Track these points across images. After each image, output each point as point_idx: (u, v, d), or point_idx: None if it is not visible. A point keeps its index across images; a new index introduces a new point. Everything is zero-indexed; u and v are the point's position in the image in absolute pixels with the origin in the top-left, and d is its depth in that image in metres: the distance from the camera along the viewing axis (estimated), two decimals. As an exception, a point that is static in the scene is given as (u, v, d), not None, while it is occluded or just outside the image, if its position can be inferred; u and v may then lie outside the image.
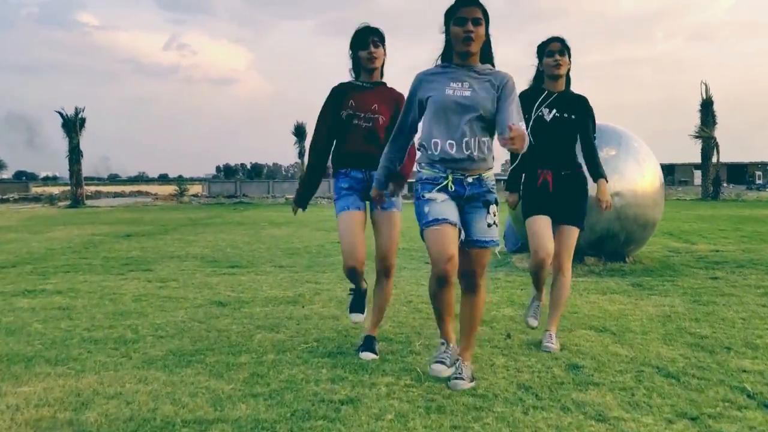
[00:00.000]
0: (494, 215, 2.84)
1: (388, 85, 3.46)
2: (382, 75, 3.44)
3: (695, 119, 29.34)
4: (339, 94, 3.39)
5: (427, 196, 2.78)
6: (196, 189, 51.12)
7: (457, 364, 2.86)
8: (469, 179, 2.78)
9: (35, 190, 51.77)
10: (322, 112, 3.42)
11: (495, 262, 6.95)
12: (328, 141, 3.42)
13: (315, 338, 3.76)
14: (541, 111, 3.49)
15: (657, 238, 9.69)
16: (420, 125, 2.90)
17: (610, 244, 6.88)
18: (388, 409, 2.56)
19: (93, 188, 57.82)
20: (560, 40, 3.53)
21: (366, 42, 3.29)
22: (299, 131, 38.91)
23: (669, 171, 54.26)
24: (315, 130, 3.44)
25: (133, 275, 6.34)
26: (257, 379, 2.97)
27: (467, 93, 2.73)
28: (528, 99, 3.51)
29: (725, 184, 44.14)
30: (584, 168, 3.62)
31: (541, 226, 3.45)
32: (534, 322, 3.63)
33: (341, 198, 3.34)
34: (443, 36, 2.85)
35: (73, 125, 28.03)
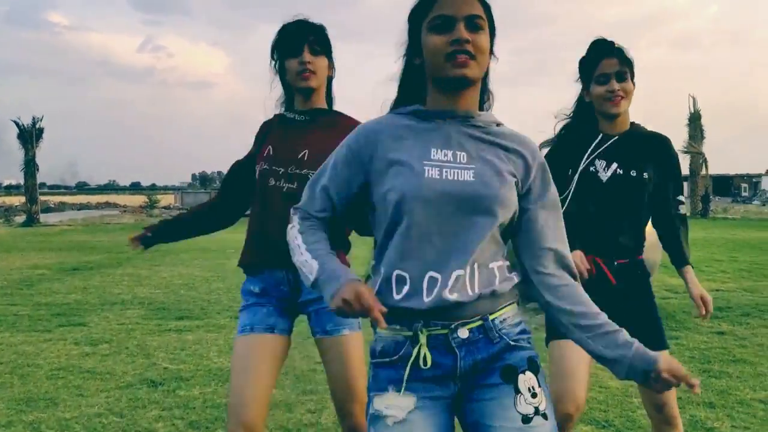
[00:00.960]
0: (533, 394, 1.40)
1: (344, 113, 2.19)
2: (329, 100, 2.21)
3: (681, 131, 28.87)
4: (261, 137, 2.22)
5: (377, 405, 1.39)
6: (168, 199, 49.89)
7: None
8: (464, 332, 1.39)
9: (-6, 200, 49.97)
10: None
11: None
12: (234, 194, 2.28)
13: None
14: (594, 165, 2.23)
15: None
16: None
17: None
18: None
19: (58, 198, 55.99)
20: (619, 54, 2.18)
21: (298, 47, 2.05)
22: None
23: None
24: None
25: (61, 333, 5.49)
26: None
27: (468, 174, 1.39)
28: (571, 146, 2.29)
29: (711, 197, 44.24)
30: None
31: (573, 357, 2.04)
32: None
33: (246, 309, 2.10)
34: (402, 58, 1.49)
35: (29, 136, 26.50)
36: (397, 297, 1.36)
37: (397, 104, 1.48)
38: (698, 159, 28.52)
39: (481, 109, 1.46)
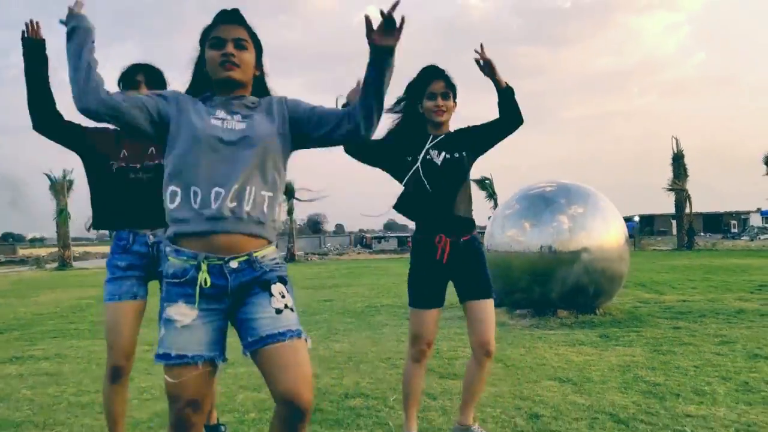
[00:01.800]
0: (282, 296, 1.95)
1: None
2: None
3: (668, 170, 30.49)
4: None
5: (169, 313, 1.89)
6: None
7: None
8: (233, 264, 1.90)
9: (22, 252, 51.24)
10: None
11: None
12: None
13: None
14: (429, 153, 2.85)
15: (629, 290, 10.05)
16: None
17: (581, 297, 7.19)
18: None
19: (81, 249, 57.15)
20: (444, 77, 2.86)
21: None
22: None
23: (648, 222, 54.33)
24: None
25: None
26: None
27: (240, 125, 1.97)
28: (406, 141, 2.90)
29: (702, 234, 44.99)
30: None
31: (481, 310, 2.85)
32: None
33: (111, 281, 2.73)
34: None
35: (60, 187, 28.26)
36: (203, 212, 1.88)
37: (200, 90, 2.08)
38: (682, 195, 29.74)
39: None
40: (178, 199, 1.89)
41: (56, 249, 30.36)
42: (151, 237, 2.74)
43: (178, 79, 2.20)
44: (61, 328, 7.47)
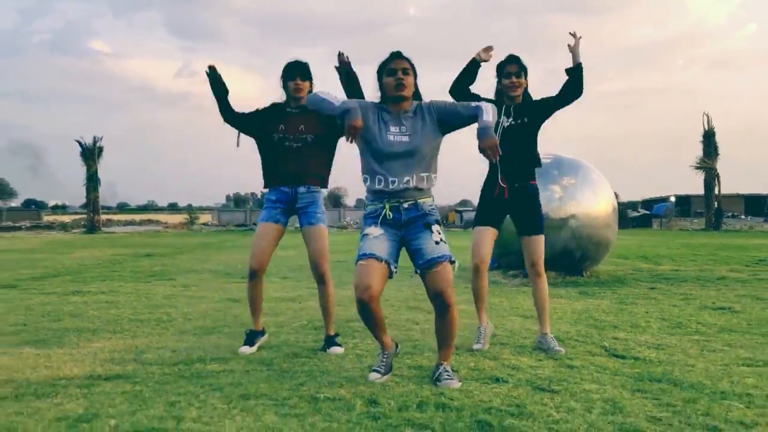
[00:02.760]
0: (438, 233, 3.06)
1: None
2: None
3: (701, 150, 30.27)
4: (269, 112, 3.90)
5: (366, 231, 3.09)
6: (205, 218, 52.30)
7: (440, 369, 3.08)
8: (405, 205, 3.07)
9: (47, 218, 53.11)
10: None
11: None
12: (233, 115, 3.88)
13: (306, 320, 4.90)
14: (501, 119, 3.83)
15: (630, 261, 10.76)
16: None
17: (568, 260, 7.98)
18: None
19: (104, 216, 58.90)
20: (517, 62, 3.83)
21: (293, 75, 3.79)
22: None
23: (685, 202, 51.59)
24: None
25: (159, 283, 7.52)
26: (261, 345, 4.10)
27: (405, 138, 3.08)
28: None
29: (742, 216, 44.24)
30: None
31: (481, 235, 3.91)
32: (477, 346, 3.85)
33: (265, 209, 3.86)
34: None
35: (90, 153, 29.59)
36: (387, 189, 3.06)
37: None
38: (711, 174, 29.74)
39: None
40: (369, 182, 3.12)
41: (79, 216, 31.89)
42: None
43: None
44: (105, 275, 8.52)
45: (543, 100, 3.89)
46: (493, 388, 2.99)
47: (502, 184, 3.85)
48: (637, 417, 2.55)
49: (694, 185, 31.29)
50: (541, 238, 3.89)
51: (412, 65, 3.16)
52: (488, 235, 3.90)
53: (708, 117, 30.30)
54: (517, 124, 3.82)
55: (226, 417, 2.57)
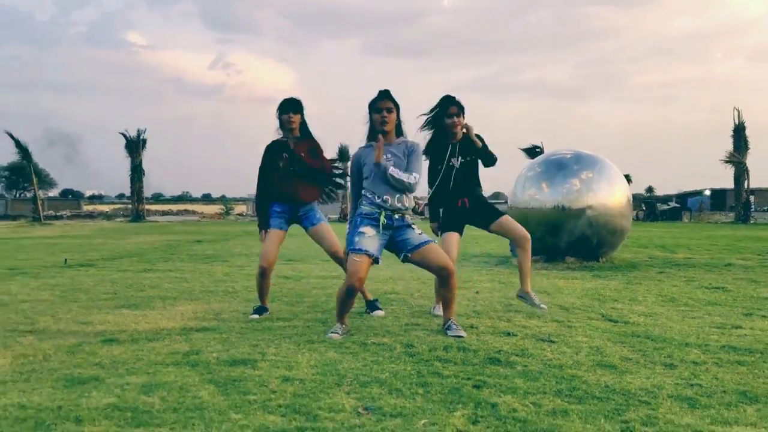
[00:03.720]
0: (419, 230, 3.99)
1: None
2: (304, 129, 4.71)
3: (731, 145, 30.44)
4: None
5: (361, 229, 3.88)
6: (240, 209, 53.85)
7: (449, 323, 3.96)
8: (396, 215, 3.94)
9: (86, 208, 55.12)
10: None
11: (494, 262, 8.80)
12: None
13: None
14: (449, 162, 4.53)
15: (648, 249, 11.35)
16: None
17: (585, 247, 8.67)
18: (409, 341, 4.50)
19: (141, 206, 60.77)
20: (457, 103, 4.46)
21: (288, 110, 4.64)
22: (342, 154, 41.09)
23: (720, 196, 50.32)
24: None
25: (216, 263, 8.47)
26: (315, 309, 4.95)
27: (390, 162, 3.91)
28: (437, 150, 4.52)
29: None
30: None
31: (447, 242, 4.52)
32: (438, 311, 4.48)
33: (272, 217, 4.71)
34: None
35: (135, 145, 31.15)
36: (377, 200, 3.94)
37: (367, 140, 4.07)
38: (740, 168, 29.79)
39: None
40: (369, 197, 3.95)
41: (117, 206, 33.38)
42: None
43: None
44: (166, 257, 9.52)
45: (474, 149, 4.50)
46: (504, 339, 3.78)
47: (463, 201, 4.57)
48: (612, 357, 3.31)
49: (730, 179, 31.24)
50: (507, 215, 4.57)
51: (395, 104, 3.99)
52: (455, 238, 4.58)
53: (738, 111, 30.43)
54: (466, 161, 4.53)
55: (298, 353, 3.41)
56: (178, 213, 53.59)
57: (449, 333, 3.87)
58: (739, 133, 30.05)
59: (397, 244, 3.96)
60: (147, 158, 31.52)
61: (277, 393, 2.70)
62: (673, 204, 41.87)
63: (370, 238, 3.85)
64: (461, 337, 3.81)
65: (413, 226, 4.00)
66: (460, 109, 4.48)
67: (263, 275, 4.63)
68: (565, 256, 8.77)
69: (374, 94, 4.00)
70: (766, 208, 43.61)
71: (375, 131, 3.97)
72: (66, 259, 8.91)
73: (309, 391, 2.72)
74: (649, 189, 58.89)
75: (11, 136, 29.06)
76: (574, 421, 2.37)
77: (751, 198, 32.47)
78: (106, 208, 51.01)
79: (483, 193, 4.71)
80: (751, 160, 30.22)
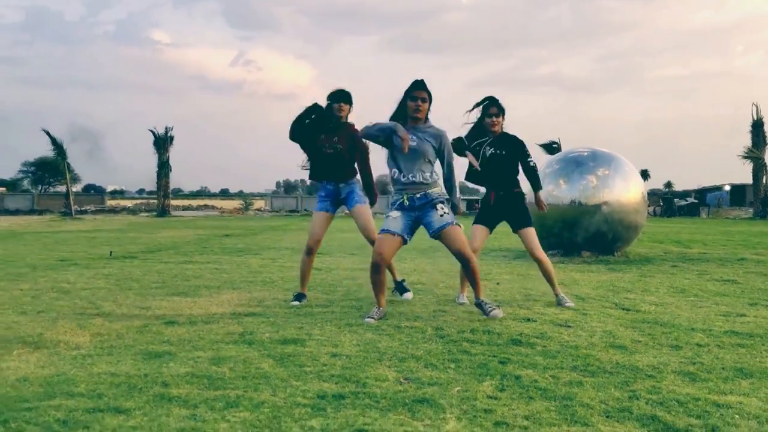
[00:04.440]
0: (442, 209, 4.26)
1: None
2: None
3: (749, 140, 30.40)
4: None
5: (389, 213, 4.34)
6: (258, 204, 54.52)
7: (480, 303, 4.36)
8: (417, 195, 4.28)
9: (109, 203, 56.09)
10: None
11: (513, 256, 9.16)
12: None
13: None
14: (483, 149, 4.92)
15: (664, 245, 11.62)
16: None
17: (601, 241, 9.00)
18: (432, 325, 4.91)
19: (167, 202, 61.56)
20: (497, 104, 4.88)
21: (338, 100, 5.00)
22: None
23: (740, 192, 49.62)
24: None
25: (249, 256, 8.93)
26: (349, 297, 5.36)
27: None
28: (473, 138, 4.95)
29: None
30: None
31: (475, 232, 4.98)
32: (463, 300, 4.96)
33: (318, 202, 5.14)
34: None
35: (163, 142, 31.94)
36: (403, 180, 4.34)
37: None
38: (759, 164, 29.74)
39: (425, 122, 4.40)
40: (396, 174, 4.31)
41: (138, 201, 34.17)
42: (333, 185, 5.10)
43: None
44: (200, 250, 10.01)
45: (519, 147, 4.93)
46: (525, 324, 4.16)
47: (492, 194, 5.00)
48: (624, 339, 3.69)
49: (750, 175, 31.17)
50: (532, 230, 4.88)
51: (429, 94, 4.33)
52: (482, 232, 5.00)
53: (757, 107, 30.39)
54: (497, 154, 4.90)
55: (341, 334, 3.83)
56: (198, 208, 54.31)
57: (487, 316, 4.31)
58: (758, 128, 30.04)
59: (423, 225, 4.34)
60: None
61: (328, 366, 3.12)
62: (691, 200, 41.72)
63: (394, 219, 4.27)
64: (496, 317, 4.27)
65: (437, 205, 4.27)
66: (500, 111, 4.89)
67: (309, 253, 5.04)
68: (582, 250, 9.10)
69: (409, 83, 4.31)
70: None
71: (402, 114, 4.28)
72: (111, 252, 9.43)
73: (355, 365, 3.14)
74: (668, 184, 58.59)
75: (47, 134, 29.86)
76: (588, 390, 2.75)
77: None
78: (128, 203, 51.95)
79: (521, 191, 5.00)
80: (769, 156, 30.18)
